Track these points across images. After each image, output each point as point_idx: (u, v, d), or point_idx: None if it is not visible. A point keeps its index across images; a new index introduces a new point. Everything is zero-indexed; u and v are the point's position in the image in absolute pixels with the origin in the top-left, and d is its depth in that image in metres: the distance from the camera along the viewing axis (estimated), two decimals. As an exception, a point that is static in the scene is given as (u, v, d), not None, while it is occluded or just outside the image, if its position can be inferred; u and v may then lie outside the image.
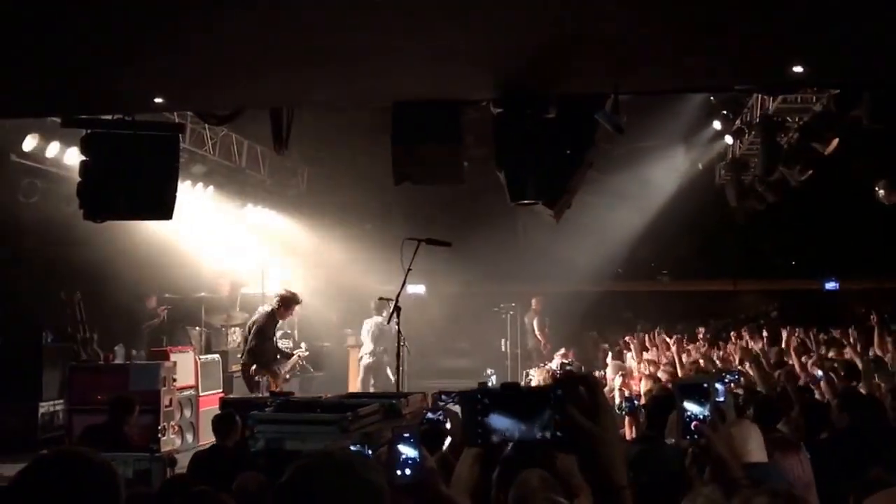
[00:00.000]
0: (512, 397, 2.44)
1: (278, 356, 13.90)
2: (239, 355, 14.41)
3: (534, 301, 21.45)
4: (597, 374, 13.92)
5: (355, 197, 19.98)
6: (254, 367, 13.34)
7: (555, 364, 15.51)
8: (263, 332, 13.44)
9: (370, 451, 4.35)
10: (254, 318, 13.92)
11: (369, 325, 18.43)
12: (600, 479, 2.31)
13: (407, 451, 3.68)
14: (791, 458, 4.97)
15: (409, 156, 9.71)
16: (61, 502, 2.64)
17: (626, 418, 9.77)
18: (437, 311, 20.87)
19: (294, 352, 14.59)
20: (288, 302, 13.62)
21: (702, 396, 3.51)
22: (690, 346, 16.05)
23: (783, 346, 14.45)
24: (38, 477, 2.70)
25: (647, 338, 16.29)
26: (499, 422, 2.43)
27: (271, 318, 13.55)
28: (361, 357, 18.48)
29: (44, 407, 13.74)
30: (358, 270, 20.04)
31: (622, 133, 9.48)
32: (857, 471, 4.78)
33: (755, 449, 5.02)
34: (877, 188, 15.63)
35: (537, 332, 21.06)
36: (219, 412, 10.35)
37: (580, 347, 20.89)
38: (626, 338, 17.33)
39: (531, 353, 20.54)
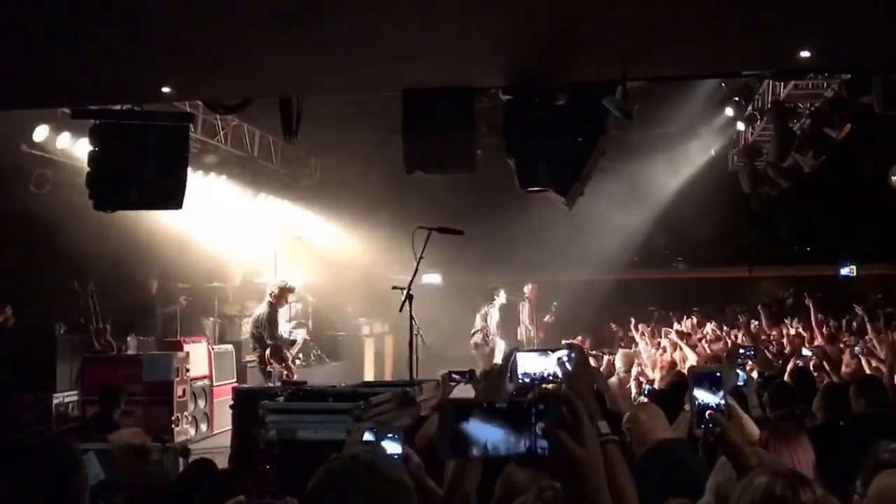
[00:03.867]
0: (493, 409, 2.26)
1: (286, 342, 14.67)
2: (254, 348, 14.54)
3: (526, 289, 20.96)
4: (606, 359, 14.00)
5: (369, 186, 19.94)
6: (267, 354, 13.85)
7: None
8: (272, 323, 14.09)
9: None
10: (257, 312, 14.47)
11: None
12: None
13: (391, 447, 3.79)
14: (789, 444, 5.00)
15: (420, 144, 9.69)
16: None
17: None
18: (451, 300, 20.82)
19: (296, 336, 15.36)
20: (282, 292, 14.39)
21: (714, 385, 3.48)
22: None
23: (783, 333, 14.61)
24: None
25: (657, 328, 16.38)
26: (479, 430, 2.23)
27: (272, 309, 14.21)
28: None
29: (58, 398, 13.73)
30: (372, 260, 20.07)
31: (631, 119, 9.47)
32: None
33: (661, 427, 5.29)
34: (890, 173, 15.57)
35: (526, 323, 20.71)
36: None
37: (596, 336, 20.83)
38: (640, 325, 17.32)
39: (522, 345, 19.96)
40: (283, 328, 15.86)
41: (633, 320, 17.48)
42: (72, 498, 2.69)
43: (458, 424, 2.24)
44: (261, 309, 14.31)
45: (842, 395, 7.94)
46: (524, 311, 20.64)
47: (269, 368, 13.75)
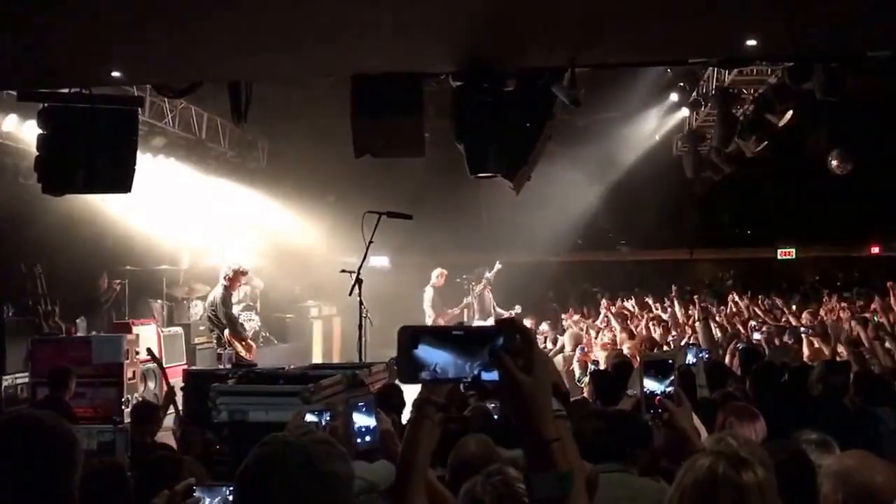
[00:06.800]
0: (448, 335, 2.29)
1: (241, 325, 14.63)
2: (211, 330, 14.55)
3: (434, 274, 19.25)
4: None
5: (318, 169, 19.87)
6: (226, 332, 13.90)
7: None
8: (226, 303, 14.12)
9: (328, 417, 4.50)
10: (212, 296, 14.49)
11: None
12: (530, 432, 2.19)
13: (362, 420, 3.84)
14: (746, 426, 5.14)
15: (369, 129, 9.75)
16: (14, 465, 2.67)
17: (589, 386, 9.92)
18: (400, 283, 20.85)
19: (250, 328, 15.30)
20: (237, 275, 14.37)
21: (665, 372, 3.62)
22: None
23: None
24: None
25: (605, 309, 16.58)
26: (429, 355, 2.27)
27: (227, 291, 14.21)
28: None
29: (7, 380, 13.64)
30: (321, 243, 20.06)
31: (579, 106, 9.60)
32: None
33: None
34: (829, 159, 15.88)
35: (428, 311, 18.71)
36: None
37: (541, 317, 20.95)
38: (568, 315, 17.49)
39: None
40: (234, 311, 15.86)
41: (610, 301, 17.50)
42: (61, 476, 2.75)
43: (412, 349, 2.29)
44: (215, 291, 14.28)
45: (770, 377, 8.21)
46: (427, 298, 18.95)
47: (227, 350, 13.79)
